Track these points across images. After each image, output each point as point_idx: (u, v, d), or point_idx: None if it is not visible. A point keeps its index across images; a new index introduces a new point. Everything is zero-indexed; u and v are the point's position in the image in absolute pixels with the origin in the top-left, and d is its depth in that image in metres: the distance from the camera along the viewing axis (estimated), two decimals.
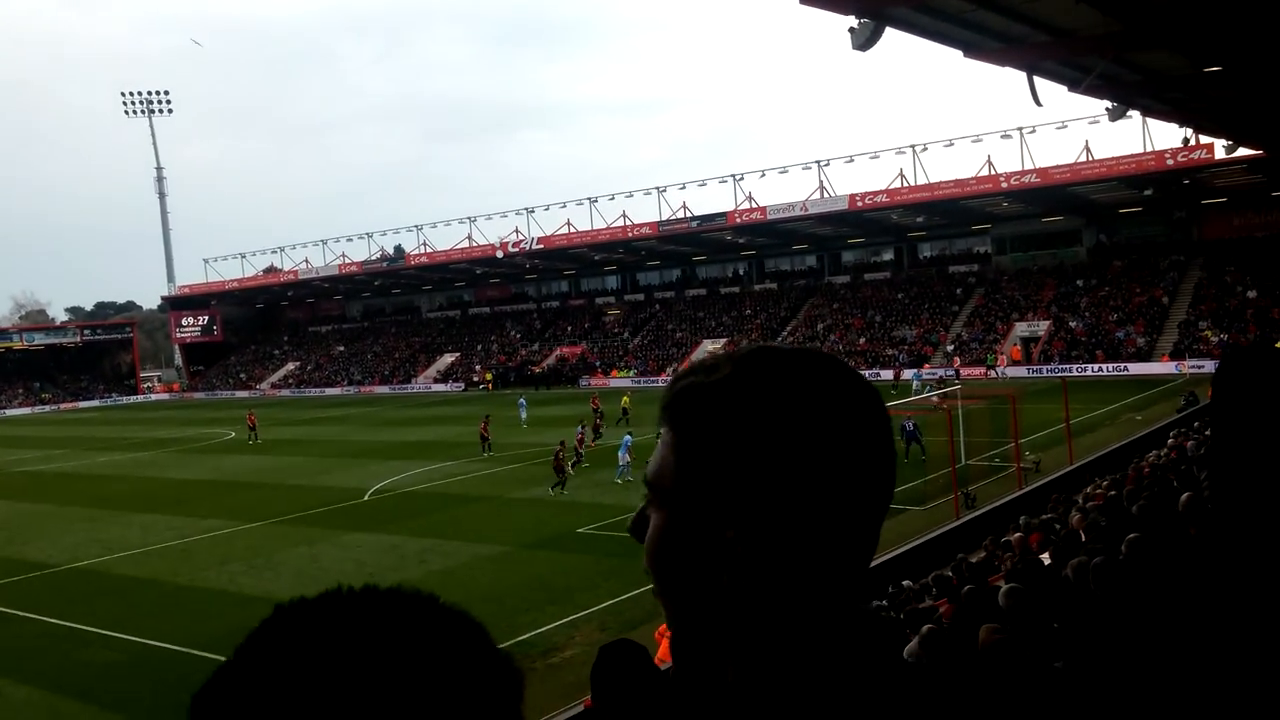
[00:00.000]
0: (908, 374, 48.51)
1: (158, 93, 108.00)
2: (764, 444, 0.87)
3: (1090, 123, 49.74)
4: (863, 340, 60.85)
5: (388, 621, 0.69)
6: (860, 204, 58.77)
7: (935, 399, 32.97)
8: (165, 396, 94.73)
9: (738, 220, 63.30)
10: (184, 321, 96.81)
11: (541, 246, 70.86)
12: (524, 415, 44.15)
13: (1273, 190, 49.24)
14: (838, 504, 0.87)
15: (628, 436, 29.32)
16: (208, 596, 19.14)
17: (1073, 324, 54.59)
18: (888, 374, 52.40)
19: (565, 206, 78.10)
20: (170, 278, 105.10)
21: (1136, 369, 48.29)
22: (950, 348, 56.73)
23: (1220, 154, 40.27)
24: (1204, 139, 38.64)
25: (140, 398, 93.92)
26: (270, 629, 0.69)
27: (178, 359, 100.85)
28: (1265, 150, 38.22)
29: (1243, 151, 37.26)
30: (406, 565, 20.38)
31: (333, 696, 0.64)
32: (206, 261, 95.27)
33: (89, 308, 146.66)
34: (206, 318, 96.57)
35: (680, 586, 0.93)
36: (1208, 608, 1.48)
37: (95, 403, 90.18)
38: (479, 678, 0.69)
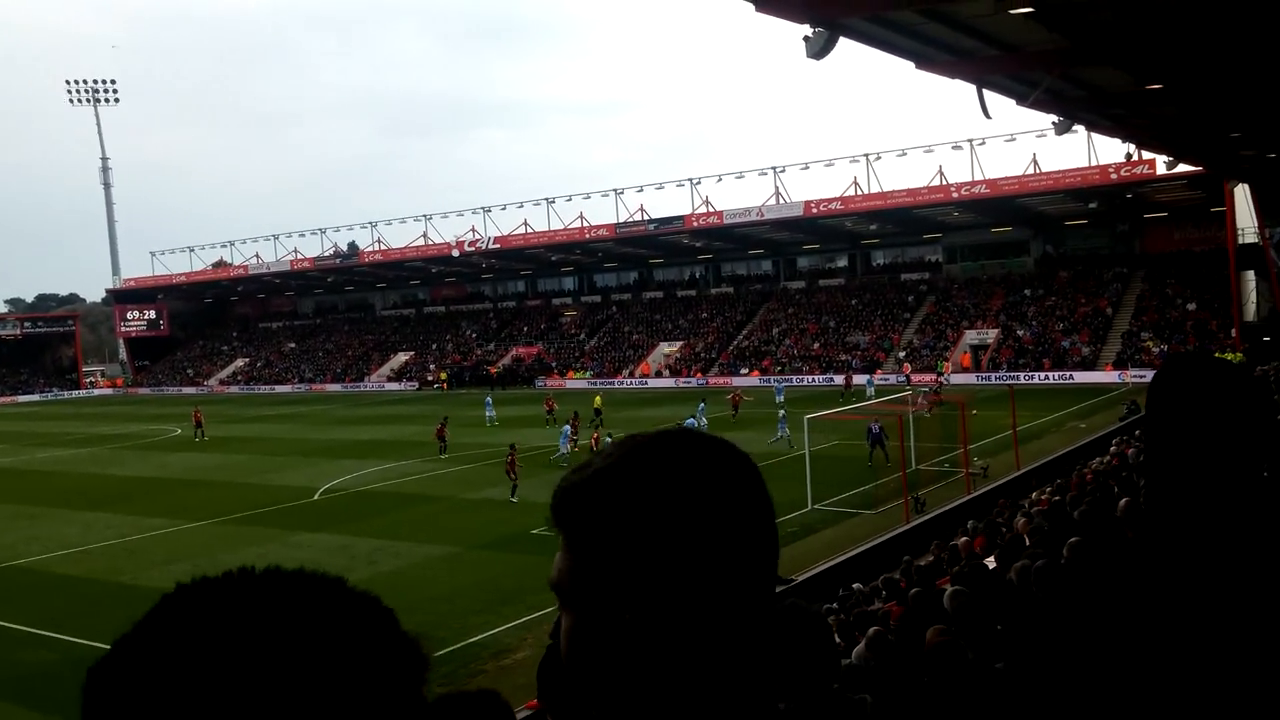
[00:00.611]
0: (860, 379, 49.02)
1: (104, 81, 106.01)
2: (640, 529, 0.90)
3: (1038, 136, 50.68)
4: (817, 345, 61.40)
5: (288, 600, 0.68)
6: (815, 211, 59.32)
7: (921, 400, 33.75)
8: (109, 392, 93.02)
9: (695, 224, 63.58)
10: (129, 315, 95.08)
11: (498, 246, 70.62)
12: (491, 414, 44.05)
13: (1212, 206, 50.48)
14: (719, 572, 0.91)
15: (607, 437, 29.30)
16: (150, 596, 17.93)
17: (1020, 333, 55.55)
18: (858, 379, 52.94)
19: (522, 206, 77.60)
20: (115, 270, 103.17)
21: (1082, 378, 49.25)
22: (902, 354, 57.45)
23: (1161, 169, 41.25)
24: (1146, 155, 39.59)
25: (82, 393, 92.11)
26: (170, 605, 0.69)
27: (122, 353, 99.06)
28: (1204, 167, 39.22)
29: (1183, 168, 38.20)
30: (356, 566, 20.25)
31: (226, 670, 0.64)
32: (154, 254, 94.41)
33: (29, 300, 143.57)
34: (153, 312, 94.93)
35: (600, 680, 0.93)
36: (1142, 610, 1.54)
37: (35, 397, 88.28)
38: (378, 658, 0.69)
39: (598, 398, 44.25)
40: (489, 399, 46.67)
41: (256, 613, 0.67)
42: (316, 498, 28.37)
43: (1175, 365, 1.69)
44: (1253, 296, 51.62)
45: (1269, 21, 14.40)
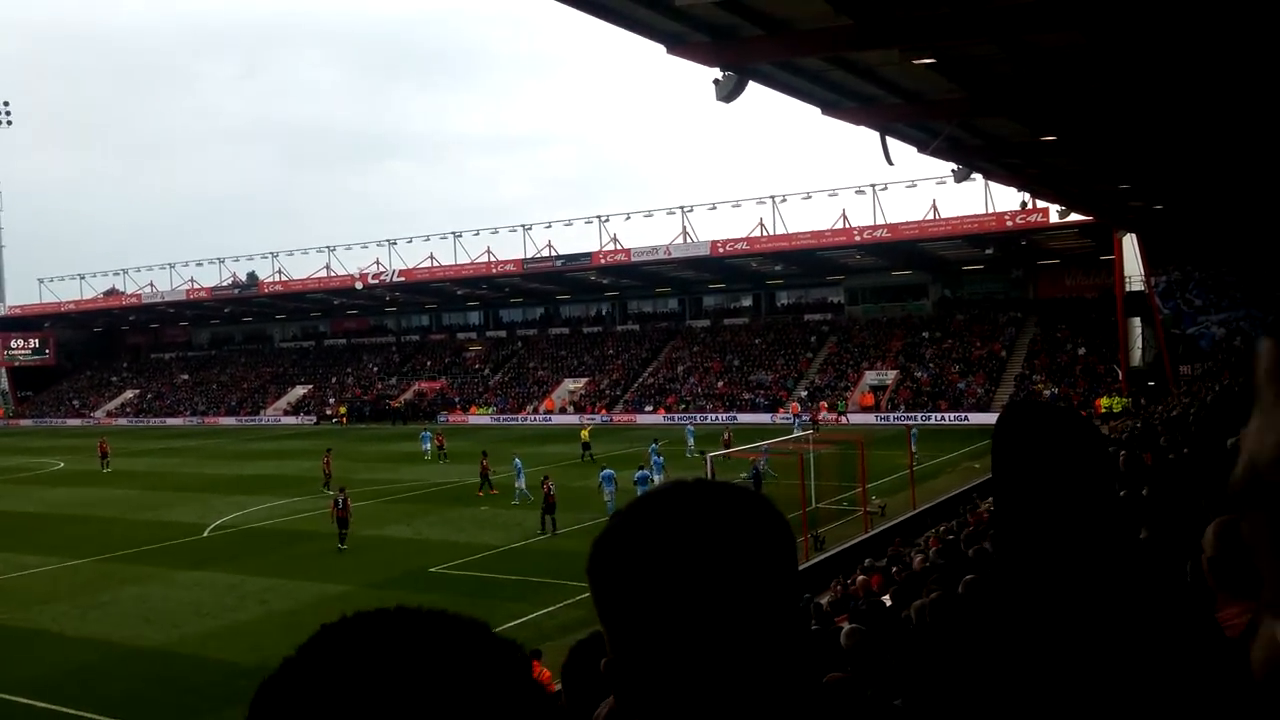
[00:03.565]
0: (785, 417, 49.72)
1: None
2: (604, 583, 0.98)
3: (938, 183, 52.25)
4: (721, 383, 61.91)
5: (445, 641, 0.71)
6: (721, 250, 60.06)
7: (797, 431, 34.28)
8: None
9: (602, 261, 63.77)
10: (13, 344, 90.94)
11: (403, 279, 69.68)
12: (427, 446, 43.30)
13: (1101, 254, 52.62)
14: (688, 629, 0.93)
15: (608, 470, 28.22)
16: (26, 637, 17.88)
17: (918, 374, 56.89)
18: (761, 417, 53.39)
19: (429, 240, 76.87)
20: (0, 297, 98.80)
21: (976, 419, 50.58)
22: (804, 393, 58.27)
23: (1055, 218, 42.86)
24: (1040, 204, 41.11)
25: None
26: (335, 634, 0.72)
27: (4, 383, 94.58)
28: (1095, 216, 40.92)
29: (1075, 217, 39.80)
30: (246, 604, 19.53)
31: (389, 702, 0.66)
32: (41, 281, 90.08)
33: None
34: (38, 340, 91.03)
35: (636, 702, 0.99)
36: (1011, 644, 1.58)
37: None
38: (522, 704, 0.71)
39: (585, 430, 43.71)
40: (425, 432, 45.85)
41: (412, 649, 0.70)
42: (206, 534, 27.36)
43: (1013, 413, 1.75)
44: (1139, 342, 53.86)
45: (1157, 81, 15.10)
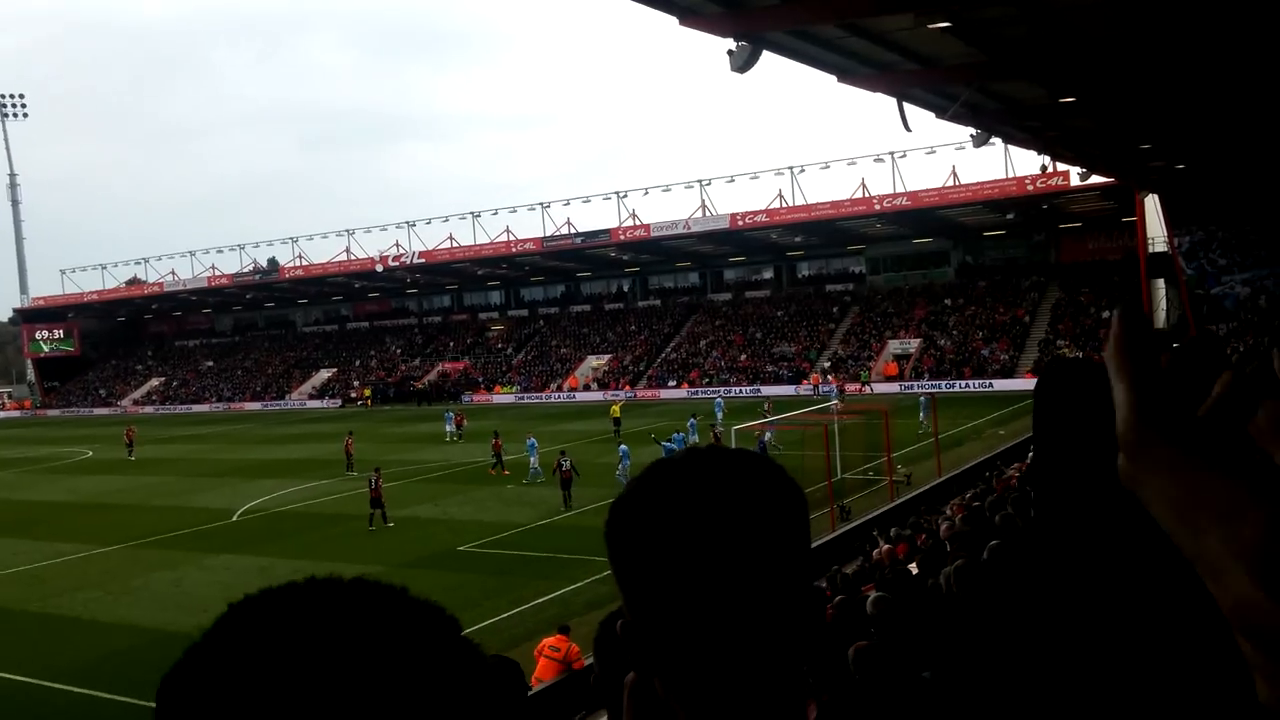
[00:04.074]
0: (807, 388, 49.52)
1: (11, 95, 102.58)
2: (620, 545, 0.99)
3: (957, 149, 51.73)
4: (744, 357, 61.80)
5: (352, 608, 0.68)
6: (741, 223, 59.79)
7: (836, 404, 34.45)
8: (16, 414, 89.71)
9: (622, 237, 63.63)
10: (38, 335, 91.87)
11: (423, 261, 69.81)
12: (450, 429, 43.51)
13: (1123, 216, 52.06)
14: (693, 592, 0.95)
15: (624, 446, 28.66)
16: (60, 624, 18.16)
17: (942, 342, 56.58)
18: (785, 389, 53.30)
19: (448, 220, 76.77)
20: (24, 289, 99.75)
21: (1001, 385, 50.30)
22: (827, 364, 58.10)
23: (1075, 181, 42.43)
24: (1061, 167, 40.65)
25: None
26: (236, 616, 0.68)
27: (30, 374, 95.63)
28: (1116, 178, 40.43)
29: (1096, 179, 39.33)
30: None
31: (294, 680, 0.63)
32: (64, 272, 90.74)
33: None
34: (63, 331, 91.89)
35: (655, 665, 1.01)
36: (1047, 611, 1.55)
37: None
38: (443, 667, 0.69)
39: (615, 406, 43.72)
40: (449, 412, 46.01)
41: (324, 621, 0.67)
42: (235, 519, 27.63)
43: (1055, 369, 1.70)
44: (1163, 304, 53.34)
45: (1177, 38, 14.85)
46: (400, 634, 0.68)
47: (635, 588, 0.99)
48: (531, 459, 30.52)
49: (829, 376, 54.29)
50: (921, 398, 38.23)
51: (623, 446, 28.48)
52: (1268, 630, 0.53)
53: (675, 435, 28.55)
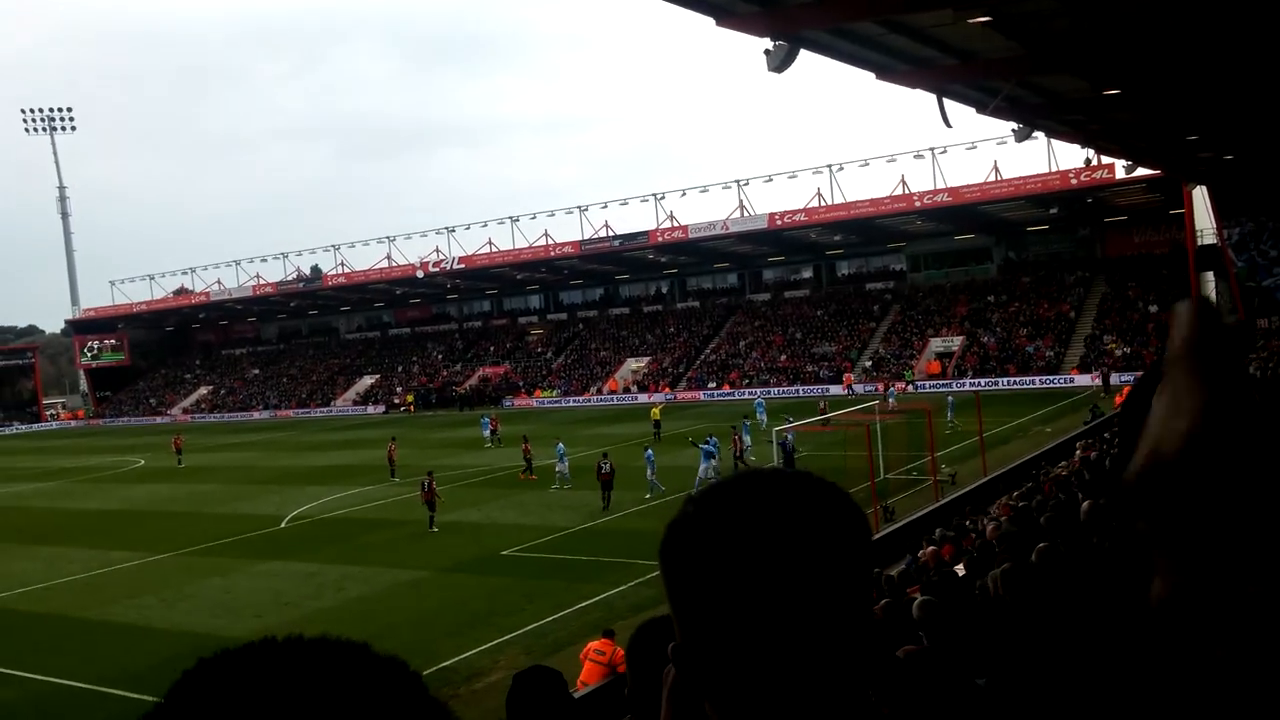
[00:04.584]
0: (841, 389, 49.32)
1: (60, 109, 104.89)
2: (676, 568, 0.98)
3: (998, 143, 51.25)
4: (784, 357, 61.53)
5: (313, 670, 0.66)
6: (779, 223, 59.56)
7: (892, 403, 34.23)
8: (70, 424, 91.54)
9: (659, 239, 63.64)
10: (89, 345, 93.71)
11: (463, 266, 70.30)
12: (487, 434, 43.60)
13: (1170, 209, 51.18)
14: (749, 619, 0.93)
15: (649, 451, 28.68)
16: (117, 631, 18.47)
17: (985, 339, 55.95)
18: (826, 388, 53.02)
19: (486, 225, 77.43)
20: (74, 300, 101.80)
21: (1046, 382, 49.65)
22: (868, 363, 57.68)
23: (1120, 174, 41.77)
24: (1105, 159, 40.06)
25: (44, 425, 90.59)
26: (191, 683, 0.65)
27: (83, 385, 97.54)
28: (1162, 170, 39.76)
29: (1142, 171, 38.71)
30: (324, 593, 19.94)
31: None
32: (113, 283, 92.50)
33: None
34: (113, 341, 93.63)
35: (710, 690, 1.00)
36: (1116, 619, 1.51)
37: None
38: None
39: (656, 409, 43.72)
40: (485, 418, 46.21)
41: (282, 687, 0.64)
42: (283, 525, 27.97)
43: (1156, 374, 1.66)
44: (1212, 297, 52.32)
45: (1224, 26, 14.58)
46: (363, 697, 0.65)
47: (690, 611, 0.97)
48: (559, 465, 30.26)
49: (872, 376, 53.90)
50: (949, 398, 37.95)
51: (648, 451, 28.48)
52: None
53: (710, 438, 28.44)
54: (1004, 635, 5.68)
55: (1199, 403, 0.58)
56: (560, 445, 31.25)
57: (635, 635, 2.61)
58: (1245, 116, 23.05)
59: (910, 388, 51.58)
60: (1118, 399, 34.82)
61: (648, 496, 26.68)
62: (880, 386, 49.88)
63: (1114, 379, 45.57)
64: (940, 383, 52.43)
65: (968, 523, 16.28)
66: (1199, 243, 49.36)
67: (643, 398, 60.59)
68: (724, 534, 0.95)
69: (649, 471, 27.37)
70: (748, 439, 31.76)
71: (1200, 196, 46.98)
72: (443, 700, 0.70)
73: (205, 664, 0.66)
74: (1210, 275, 51.38)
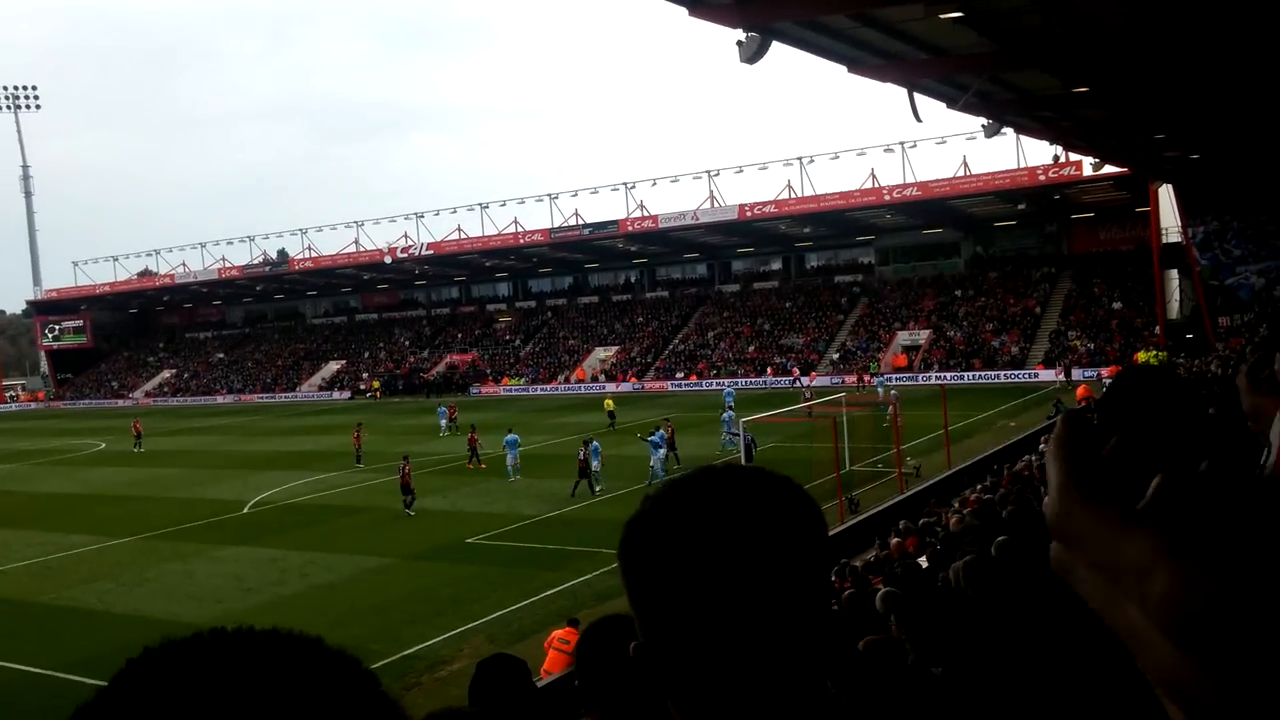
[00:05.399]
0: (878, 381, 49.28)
1: (24, 87, 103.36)
2: (636, 566, 0.98)
3: (968, 139, 51.52)
4: (752, 348, 61.72)
5: (266, 665, 0.63)
6: (749, 214, 59.66)
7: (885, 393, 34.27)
8: (30, 405, 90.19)
9: (630, 228, 63.56)
10: (51, 326, 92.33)
11: (431, 252, 69.88)
12: (444, 423, 43.25)
13: (1137, 206, 51.77)
14: (706, 612, 0.93)
15: (595, 444, 27.64)
16: (73, 616, 18.23)
17: (951, 333, 56.40)
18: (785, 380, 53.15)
19: (456, 212, 77.34)
20: (36, 281, 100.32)
21: (1011, 377, 50.14)
22: (835, 355, 57.97)
23: (1088, 171, 42.17)
24: (1073, 157, 40.42)
25: (3, 407, 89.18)
26: (135, 672, 0.63)
27: (44, 366, 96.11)
28: (1130, 168, 40.19)
29: (1109, 169, 39.12)
30: (287, 579, 19.79)
31: None
32: (76, 264, 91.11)
33: None
34: (76, 323, 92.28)
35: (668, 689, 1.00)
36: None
37: None
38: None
39: (609, 400, 43.45)
40: (442, 408, 45.86)
41: (229, 679, 0.61)
42: (246, 511, 27.71)
43: (1129, 377, 1.74)
44: (1176, 295, 53.05)
45: (1194, 26, 14.72)
46: (311, 695, 0.62)
47: (651, 609, 0.97)
48: (509, 456, 29.45)
49: (843, 369, 54.15)
50: (893, 392, 38.17)
51: (594, 443, 27.78)
52: (1186, 688, 0.53)
53: (656, 432, 28.32)
54: (963, 626, 5.72)
55: (1053, 481, 0.65)
56: (512, 435, 30.33)
57: (585, 633, 2.61)
58: (1212, 116, 23.33)
59: (871, 380, 51.90)
60: (1079, 392, 35.23)
61: (599, 489, 26.42)
62: (865, 378, 49.95)
63: (1075, 373, 46.08)
64: (906, 375, 52.81)
65: (931, 516, 16.40)
66: (1164, 240, 50.01)
67: (610, 387, 60.55)
68: (683, 531, 0.95)
69: (594, 463, 26.63)
70: (733, 431, 31.50)
71: (1166, 195, 47.58)
72: (395, 697, 0.67)
73: (150, 653, 0.64)
74: (1174, 273, 52.10)
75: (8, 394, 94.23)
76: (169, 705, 0.59)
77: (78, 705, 0.63)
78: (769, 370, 57.31)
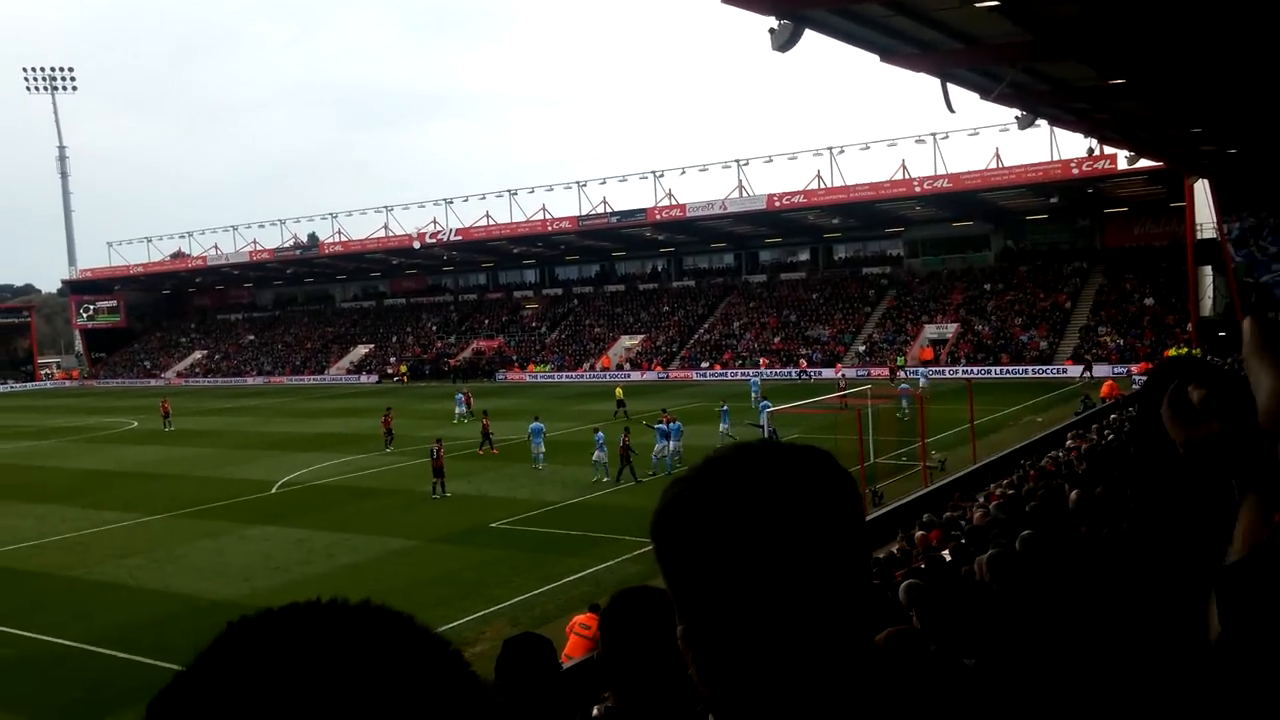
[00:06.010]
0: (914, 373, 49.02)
1: (61, 69, 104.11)
2: (674, 548, 0.96)
3: (1001, 130, 51.08)
4: (778, 339, 61.54)
5: (357, 637, 0.63)
6: (778, 204, 59.42)
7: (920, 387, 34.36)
8: (64, 384, 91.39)
9: (657, 217, 63.47)
10: (85, 306, 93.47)
11: (460, 238, 70.11)
12: (460, 409, 43.39)
13: (1172, 201, 51.14)
14: (754, 593, 0.92)
15: (599, 434, 27.70)
16: (104, 590, 18.51)
17: (979, 327, 55.99)
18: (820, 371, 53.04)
19: (484, 198, 77.47)
20: (72, 261, 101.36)
21: (1039, 372, 49.73)
22: (861, 348, 57.71)
23: (1123, 164, 41.70)
24: (1108, 150, 39.96)
25: (38, 385, 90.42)
26: (233, 637, 0.63)
27: (78, 345, 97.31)
28: (1165, 162, 39.69)
29: (1144, 163, 38.63)
30: (314, 559, 19.99)
31: (290, 710, 0.58)
32: (110, 245, 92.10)
33: None
34: (110, 303, 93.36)
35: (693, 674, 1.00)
36: (1134, 605, 1.52)
37: None
38: (449, 701, 0.65)
39: (619, 389, 43.48)
40: (459, 394, 46.02)
41: (323, 649, 0.61)
42: (274, 491, 27.99)
43: (1170, 367, 1.69)
44: (1209, 291, 52.38)
45: (1233, 18, 14.52)
46: (404, 665, 0.62)
47: (692, 591, 0.95)
48: (534, 444, 29.17)
49: (870, 361, 53.89)
50: (922, 383, 37.97)
51: (599, 433, 27.82)
52: None
53: (674, 422, 28.26)
54: (991, 619, 5.72)
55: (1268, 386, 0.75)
56: (537, 423, 30.03)
57: (609, 605, 2.62)
58: (1251, 110, 23.00)
59: (902, 373, 51.62)
60: (1104, 389, 34.89)
61: (603, 480, 26.50)
62: (897, 372, 49.66)
63: (1100, 370, 45.64)
64: (934, 369, 52.48)
65: (955, 510, 16.34)
66: (1198, 236, 49.36)
67: (635, 375, 60.62)
68: (723, 509, 0.93)
69: (596, 452, 26.75)
70: (728, 423, 31.78)
71: (1202, 190, 46.94)
72: (481, 677, 0.67)
73: (245, 622, 0.64)
74: (1208, 269, 51.42)
75: (43, 372, 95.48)
76: (269, 672, 0.60)
77: (178, 673, 0.62)
78: (800, 363, 56.85)
